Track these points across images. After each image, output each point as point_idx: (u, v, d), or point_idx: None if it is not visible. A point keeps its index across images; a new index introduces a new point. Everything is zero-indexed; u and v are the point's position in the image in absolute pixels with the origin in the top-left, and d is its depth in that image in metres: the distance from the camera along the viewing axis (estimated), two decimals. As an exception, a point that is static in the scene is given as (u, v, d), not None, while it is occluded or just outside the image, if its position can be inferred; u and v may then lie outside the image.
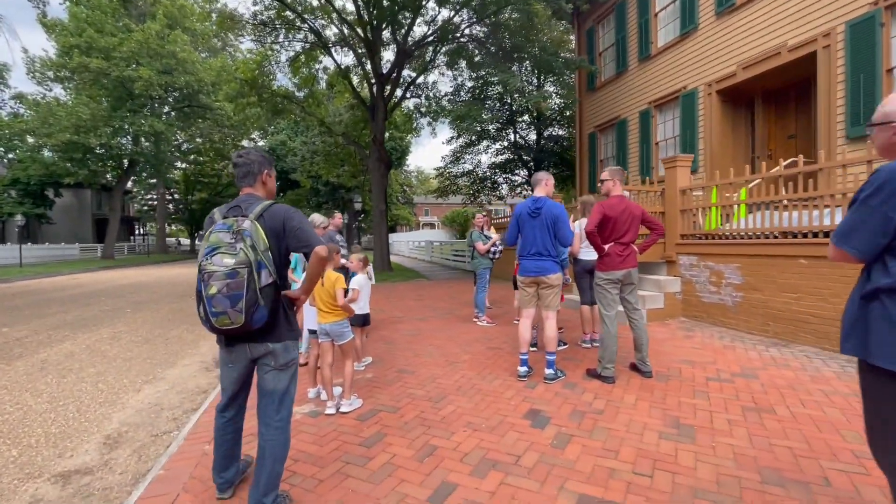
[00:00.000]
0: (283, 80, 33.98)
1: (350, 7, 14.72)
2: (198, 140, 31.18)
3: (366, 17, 12.04)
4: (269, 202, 1.96)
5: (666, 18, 9.76)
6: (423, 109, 18.12)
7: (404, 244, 30.15)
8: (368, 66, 15.55)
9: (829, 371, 3.78)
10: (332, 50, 14.99)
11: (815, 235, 4.52)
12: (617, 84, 11.30)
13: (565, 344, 4.80)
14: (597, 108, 12.18)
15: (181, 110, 27.72)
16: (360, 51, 15.03)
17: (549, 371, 3.72)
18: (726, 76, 8.16)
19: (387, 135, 18.45)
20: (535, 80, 18.00)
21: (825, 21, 6.53)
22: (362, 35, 13.17)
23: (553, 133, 18.65)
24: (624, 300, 3.82)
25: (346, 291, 3.24)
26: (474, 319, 6.44)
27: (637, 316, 3.82)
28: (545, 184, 3.75)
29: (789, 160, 6.55)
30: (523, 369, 3.80)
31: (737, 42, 7.93)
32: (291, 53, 15.38)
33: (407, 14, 13.27)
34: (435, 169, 21.50)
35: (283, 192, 33.78)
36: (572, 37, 14.14)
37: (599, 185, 3.88)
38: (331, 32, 15.21)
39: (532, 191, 3.85)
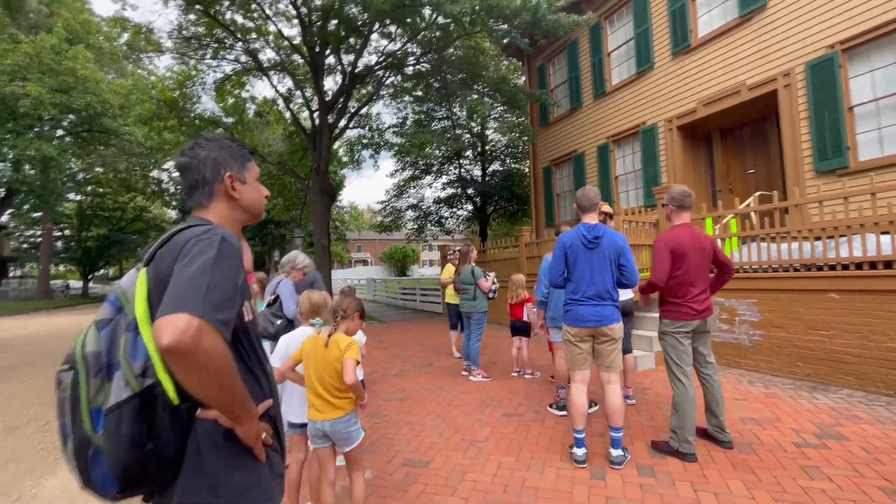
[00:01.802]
0: (209, 103, 31.43)
1: (289, 31, 13.78)
2: (98, 169, 27.35)
3: (311, 38, 11.12)
4: (184, 228, 1.01)
5: (619, 58, 10.00)
6: (365, 141, 17.30)
7: (341, 282, 28.28)
8: (309, 92, 14.55)
9: (907, 422, 3.32)
10: (270, 73, 13.77)
11: (846, 268, 4.23)
12: (572, 119, 11.35)
13: (596, 405, 3.96)
14: (551, 143, 12.15)
15: (79, 134, 24.20)
16: (299, 77, 14.00)
17: (616, 452, 2.85)
18: (686, 112, 8.33)
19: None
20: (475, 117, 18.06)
21: (784, 62, 6.80)
22: (307, 58, 12.18)
23: (501, 168, 18.64)
24: (694, 351, 3.10)
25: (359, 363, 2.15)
26: (464, 373, 5.44)
27: (710, 370, 3.11)
28: (599, 206, 3.00)
29: (758, 193, 6.61)
30: (581, 452, 2.89)
31: (696, 80, 8.15)
32: (221, 75, 13.90)
33: (353, 41, 12.61)
34: (378, 203, 20.49)
35: (201, 227, 30.48)
36: (521, 74, 14.31)
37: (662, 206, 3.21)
38: (266, 56, 14.05)
39: (580, 215, 3.07)
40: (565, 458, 3.01)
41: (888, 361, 3.88)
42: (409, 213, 20.19)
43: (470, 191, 18.07)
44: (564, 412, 3.84)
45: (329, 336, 2.11)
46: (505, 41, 11.52)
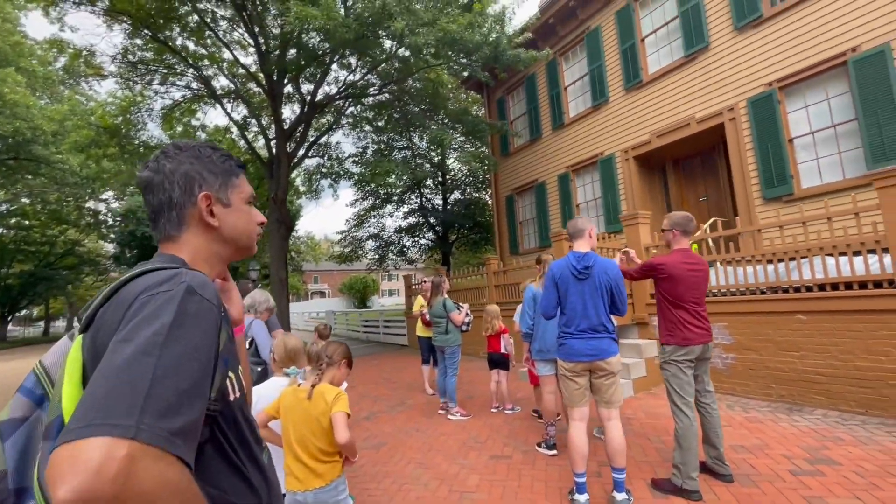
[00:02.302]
0: (156, 130, 29.94)
1: (245, 59, 13.46)
2: (24, 200, 25.06)
3: (269, 66, 10.86)
4: (138, 274, 0.72)
5: (576, 91, 10.45)
6: (324, 170, 16.97)
7: (298, 315, 27.00)
8: (266, 120, 14.16)
9: (892, 442, 3.37)
10: (224, 101, 13.29)
11: (810, 289, 4.39)
12: (532, 149, 11.64)
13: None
14: (513, 172, 12.37)
15: (4, 163, 22.16)
16: (255, 105, 13.61)
17: (620, 496, 2.66)
18: (641, 143, 8.72)
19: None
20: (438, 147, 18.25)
21: (728, 98, 7.30)
22: (264, 86, 11.87)
23: (462, 197, 18.78)
24: (695, 379, 3.01)
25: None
26: (441, 411, 5.12)
27: (709, 399, 3.04)
28: (589, 234, 2.91)
29: (712, 219, 6.95)
30: (584, 498, 2.68)
31: (648, 113, 8.59)
32: (169, 101, 13.26)
33: (313, 70, 12.48)
34: (337, 233, 19.95)
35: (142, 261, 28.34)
36: (480, 107, 14.66)
37: (661, 233, 3.17)
38: (220, 84, 13.61)
39: (571, 243, 2.97)
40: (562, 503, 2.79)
41: (857, 380, 4.00)
42: (370, 243, 19.79)
43: (432, 220, 18.02)
44: (555, 451, 3.63)
45: (312, 387, 1.82)
46: (465, 74, 11.79)
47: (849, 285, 4.13)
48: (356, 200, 18.91)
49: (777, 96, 6.71)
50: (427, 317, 6.05)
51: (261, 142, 15.37)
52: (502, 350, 4.91)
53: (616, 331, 2.92)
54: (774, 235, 5.07)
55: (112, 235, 27.62)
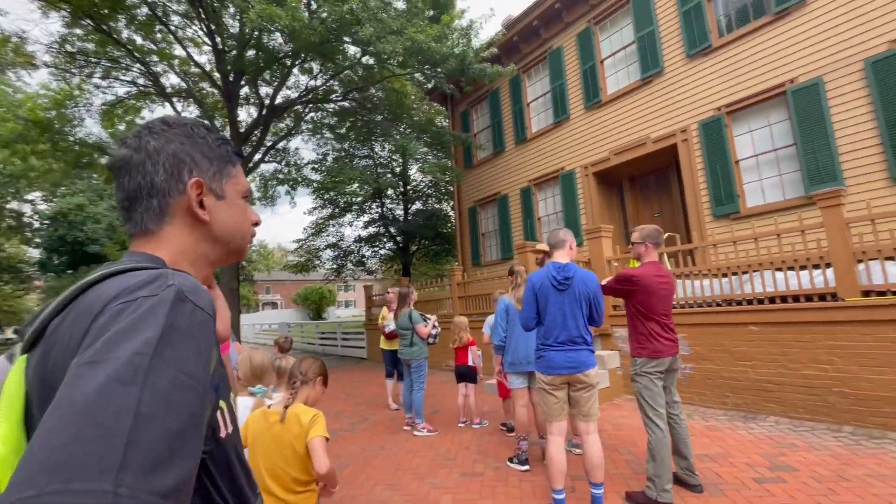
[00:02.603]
0: (95, 127, 27.83)
1: (200, 58, 12.84)
2: (-68, 198, 22.37)
3: (226, 67, 10.37)
4: (107, 275, 0.54)
5: (538, 108, 10.72)
6: (281, 176, 16.38)
7: (248, 328, 25.67)
8: (219, 122, 13.51)
9: (839, 447, 3.56)
10: (173, 100, 12.55)
11: (761, 302, 4.64)
12: (495, 162, 11.80)
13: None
14: (476, 184, 12.46)
15: None
16: (208, 105, 12.96)
17: (599, 511, 2.61)
18: (600, 160, 9.04)
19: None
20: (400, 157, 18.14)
21: (681, 120, 7.73)
22: (220, 87, 11.32)
23: (424, 207, 18.70)
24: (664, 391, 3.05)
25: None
26: (406, 427, 4.94)
27: (677, 410, 3.08)
28: (570, 246, 2.90)
29: (667, 234, 7.28)
30: (563, 515, 2.61)
31: (607, 132, 8.94)
32: (112, 97, 12.35)
33: (273, 73, 12.07)
34: (293, 241, 19.24)
35: (75, 269, 26.01)
36: (444, 118, 14.74)
37: (629, 247, 3.20)
38: (170, 82, 12.86)
39: (550, 254, 2.94)
40: (543, 523, 2.71)
41: (805, 388, 4.24)
42: (328, 253, 19.23)
43: (393, 229, 17.79)
44: (527, 466, 3.56)
45: (285, 408, 1.64)
46: (430, 85, 11.83)
47: (796, 298, 4.40)
48: (314, 208, 18.37)
49: (725, 121, 7.17)
50: (387, 329, 5.88)
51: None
52: (470, 363, 4.82)
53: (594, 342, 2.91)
54: (729, 250, 5.34)
55: (38, 240, 25.23)
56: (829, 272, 4.20)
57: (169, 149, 0.64)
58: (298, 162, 16.45)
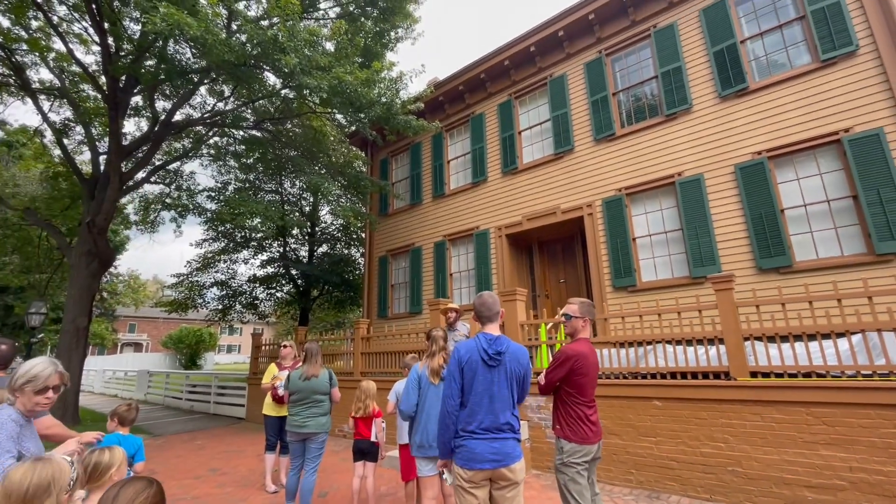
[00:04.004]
0: None
1: (84, 57, 11.20)
2: None
3: (117, 70, 9.03)
4: None
5: (458, 166, 10.96)
6: (168, 201, 14.47)
7: (96, 374, 21.24)
8: (97, 130, 11.69)
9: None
10: (39, 97, 10.62)
11: (663, 377, 4.77)
12: (412, 214, 11.65)
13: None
14: (390, 233, 12.12)
15: None
16: (87, 109, 11.16)
17: None
18: (514, 223, 9.33)
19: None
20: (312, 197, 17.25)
21: (588, 195, 8.32)
22: (105, 91, 9.82)
23: (331, 251, 17.71)
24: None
25: None
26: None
27: (599, 501, 2.79)
28: (501, 315, 2.59)
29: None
30: None
31: (521, 197, 9.32)
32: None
33: (172, 87, 10.86)
34: (173, 275, 16.77)
35: None
36: (363, 164, 14.44)
37: (562, 320, 2.97)
38: (39, 76, 10.93)
39: (480, 321, 2.59)
40: None
41: (703, 466, 4.32)
42: (214, 291, 17.06)
43: (294, 271, 16.46)
44: (433, 574, 2.97)
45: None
46: (352, 129, 11.56)
47: (695, 375, 4.60)
48: (205, 240, 16.40)
49: (625, 201, 7.85)
50: (280, 391, 4.99)
51: (86, 154, 12.55)
52: (373, 438, 4.17)
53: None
54: (634, 321, 5.56)
55: None
56: (724, 350, 4.47)
57: None
58: (192, 187, 14.74)
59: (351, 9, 9.81)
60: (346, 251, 17.94)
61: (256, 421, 9.73)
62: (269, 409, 5.16)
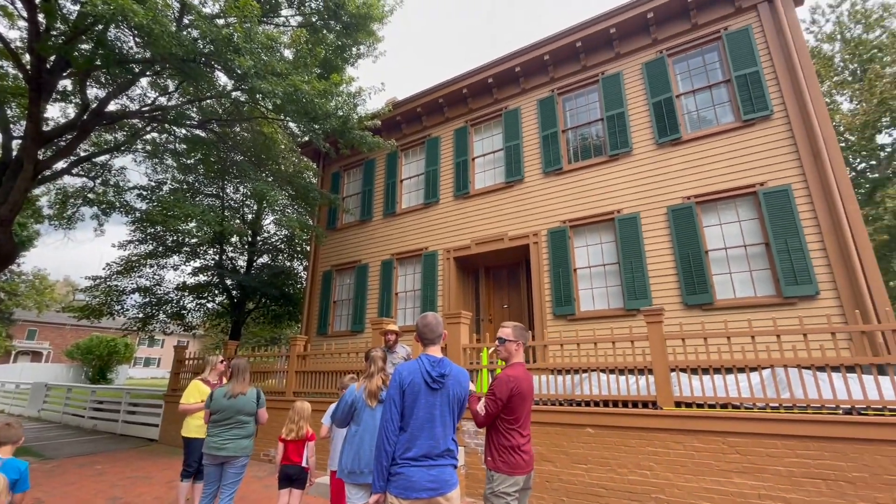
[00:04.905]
0: None
1: (9, 33, 10.18)
2: None
3: (46, 49, 8.23)
4: None
5: (411, 186, 10.99)
6: (91, 196, 13.25)
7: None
8: (13, 111, 10.57)
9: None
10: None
11: (597, 405, 4.92)
12: (360, 230, 11.45)
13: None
14: (336, 248, 11.81)
15: None
16: (2, 85, 10.07)
17: None
18: (463, 247, 9.44)
19: None
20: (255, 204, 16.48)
21: (535, 224, 8.61)
22: (29, 70, 8.93)
23: (272, 263, 16.89)
24: (522, 514, 2.73)
25: None
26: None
27: (522, 537, 2.76)
28: (444, 337, 2.55)
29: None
30: None
31: (471, 222, 9.47)
32: None
33: (108, 75, 10.09)
34: (88, 278, 15.19)
35: None
36: (314, 175, 14.06)
37: (497, 346, 2.95)
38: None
39: (422, 343, 2.53)
40: None
41: (630, 493, 4.45)
42: (135, 298, 15.62)
43: (230, 281, 15.48)
44: None
45: None
46: (305, 139, 11.29)
47: (626, 403, 4.78)
48: (130, 242, 15.08)
49: (569, 232, 8.20)
50: (187, 411, 4.57)
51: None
52: (304, 463, 3.91)
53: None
54: (572, 349, 5.73)
55: None
56: (653, 380, 4.70)
57: None
58: (122, 183, 13.61)
59: (314, 20, 9.70)
60: (288, 263, 17.21)
61: (172, 443, 8.86)
62: (190, 430, 4.70)
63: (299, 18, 10.13)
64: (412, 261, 10.34)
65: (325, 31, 9.44)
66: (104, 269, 15.13)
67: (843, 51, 19.02)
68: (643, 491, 4.39)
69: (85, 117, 9.68)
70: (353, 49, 9.83)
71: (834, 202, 5.95)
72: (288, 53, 9.59)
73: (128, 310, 15.39)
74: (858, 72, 18.66)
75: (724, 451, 4.16)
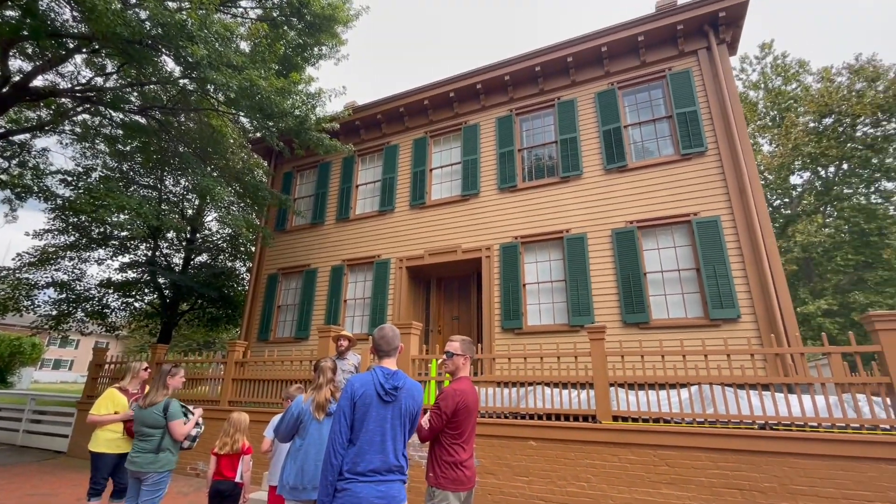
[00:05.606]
0: None
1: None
2: None
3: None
4: None
5: (366, 192, 10.86)
6: (4, 177, 11.95)
7: None
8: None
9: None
10: None
11: (540, 418, 5.05)
12: (311, 233, 11.13)
13: None
14: (284, 251, 11.38)
15: None
16: None
17: None
18: (416, 256, 9.43)
19: None
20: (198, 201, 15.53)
21: (487, 238, 8.79)
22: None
23: (212, 262, 15.92)
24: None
25: None
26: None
27: (475, 548, 2.77)
28: (399, 350, 2.52)
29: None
30: None
31: (426, 231, 9.50)
32: None
33: (37, 47, 9.19)
34: (-7, 268, 13.53)
35: None
36: (265, 174, 13.50)
37: (445, 360, 2.95)
38: None
39: (378, 355, 2.49)
40: None
41: (568, 505, 4.59)
42: (49, 293, 14.13)
43: (162, 280, 14.41)
44: None
45: None
46: (258, 135, 10.86)
47: (567, 417, 4.95)
48: (47, 231, 13.67)
49: (520, 248, 8.44)
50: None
51: None
52: (238, 478, 3.69)
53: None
54: (520, 363, 5.86)
55: None
56: (593, 395, 4.91)
57: None
58: (42, 166, 12.37)
59: (274, 14, 9.41)
60: (229, 264, 16.33)
61: (83, 455, 8.02)
62: (103, 444, 4.25)
63: (259, 11, 9.79)
64: (364, 268, 10.17)
65: (286, 28, 9.18)
66: (14, 259, 13.59)
67: (766, 98, 21.25)
68: (579, 502, 4.55)
69: (5, 90, 8.74)
70: (315, 49, 9.63)
71: (755, 234, 6.57)
72: (245, 46, 9.22)
73: (39, 306, 13.88)
74: (777, 118, 20.91)
75: (654, 463, 4.41)
